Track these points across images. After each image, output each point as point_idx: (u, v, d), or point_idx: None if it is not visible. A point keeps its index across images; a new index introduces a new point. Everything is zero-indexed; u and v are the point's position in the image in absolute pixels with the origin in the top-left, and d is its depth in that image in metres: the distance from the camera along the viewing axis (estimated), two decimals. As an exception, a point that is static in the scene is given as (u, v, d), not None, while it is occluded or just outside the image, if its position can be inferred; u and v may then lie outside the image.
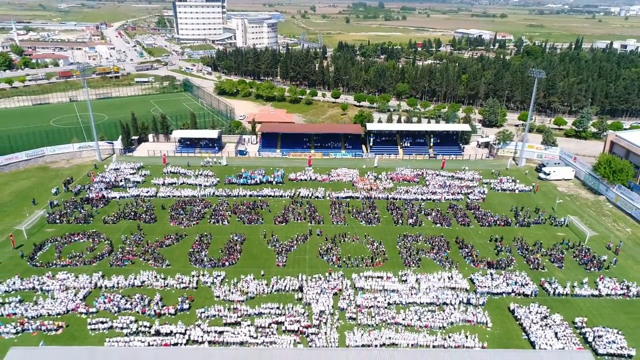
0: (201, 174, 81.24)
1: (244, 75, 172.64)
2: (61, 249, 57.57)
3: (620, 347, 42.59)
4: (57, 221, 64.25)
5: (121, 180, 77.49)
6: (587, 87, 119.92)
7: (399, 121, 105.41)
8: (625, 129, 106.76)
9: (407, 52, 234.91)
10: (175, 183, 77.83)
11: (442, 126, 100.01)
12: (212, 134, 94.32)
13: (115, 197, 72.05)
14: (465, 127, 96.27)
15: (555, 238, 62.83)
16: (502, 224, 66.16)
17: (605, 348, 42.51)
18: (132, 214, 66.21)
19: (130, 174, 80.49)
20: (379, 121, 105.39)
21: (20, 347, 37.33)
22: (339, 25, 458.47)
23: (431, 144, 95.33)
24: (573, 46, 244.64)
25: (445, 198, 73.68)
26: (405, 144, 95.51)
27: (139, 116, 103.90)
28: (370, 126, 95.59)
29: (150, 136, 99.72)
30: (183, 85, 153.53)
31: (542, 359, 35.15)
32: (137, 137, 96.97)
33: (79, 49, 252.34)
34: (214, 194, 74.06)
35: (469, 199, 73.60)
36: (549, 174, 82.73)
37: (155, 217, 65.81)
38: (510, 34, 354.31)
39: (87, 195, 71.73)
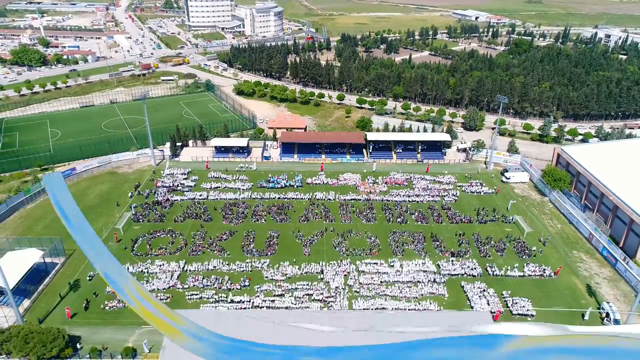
0: (238, 179, 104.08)
1: (256, 72, 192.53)
2: (150, 242, 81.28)
3: (527, 309, 67.05)
4: (140, 220, 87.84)
5: (178, 185, 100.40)
6: (555, 94, 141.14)
7: (394, 129, 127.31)
8: (580, 134, 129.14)
9: (405, 42, 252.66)
10: (219, 187, 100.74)
11: (427, 136, 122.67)
12: (243, 142, 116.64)
13: (177, 200, 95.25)
14: (446, 137, 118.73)
15: (503, 233, 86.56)
16: (466, 221, 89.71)
17: (517, 310, 66.93)
18: (194, 214, 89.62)
19: (184, 179, 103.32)
20: (377, 130, 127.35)
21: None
22: (340, 3, 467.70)
23: (419, 150, 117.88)
24: (561, 33, 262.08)
25: (426, 200, 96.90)
26: (398, 150, 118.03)
27: (173, 118, 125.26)
28: (370, 136, 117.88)
29: (190, 142, 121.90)
30: (205, 85, 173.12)
31: (458, 317, 59.13)
32: (180, 144, 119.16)
33: (98, 38, 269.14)
34: (250, 196, 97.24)
35: (444, 200, 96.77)
36: (509, 178, 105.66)
37: (211, 217, 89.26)
38: (506, 16, 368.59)
39: (155, 199, 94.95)
